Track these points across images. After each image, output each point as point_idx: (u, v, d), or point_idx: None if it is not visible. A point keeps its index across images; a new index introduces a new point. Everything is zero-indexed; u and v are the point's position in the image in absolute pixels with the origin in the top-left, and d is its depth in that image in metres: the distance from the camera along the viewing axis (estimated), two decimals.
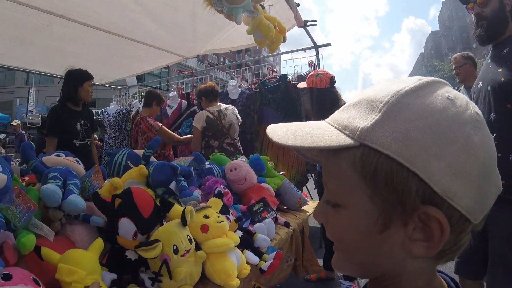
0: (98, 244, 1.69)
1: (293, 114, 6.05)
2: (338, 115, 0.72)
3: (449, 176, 0.59)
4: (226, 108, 5.14)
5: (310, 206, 4.01)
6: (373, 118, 0.63)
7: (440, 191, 0.59)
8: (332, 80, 4.13)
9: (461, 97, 0.66)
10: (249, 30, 3.80)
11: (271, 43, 3.95)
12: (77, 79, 4.62)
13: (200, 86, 5.56)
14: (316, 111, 4.20)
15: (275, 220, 2.98)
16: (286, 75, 6.35)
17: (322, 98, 4.12)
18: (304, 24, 5.31)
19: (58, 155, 2.35)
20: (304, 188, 6.34)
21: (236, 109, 5.34)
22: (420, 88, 0.65)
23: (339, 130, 0.68)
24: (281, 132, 0.75)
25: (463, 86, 5.37)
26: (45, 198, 1.78)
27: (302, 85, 4.47)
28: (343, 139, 0.65)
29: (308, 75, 4.44)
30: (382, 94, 0.66)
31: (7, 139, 20.74)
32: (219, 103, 5.24)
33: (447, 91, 0.66)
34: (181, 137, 5.61)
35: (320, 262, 3.97)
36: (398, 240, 0.64)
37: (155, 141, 2.69)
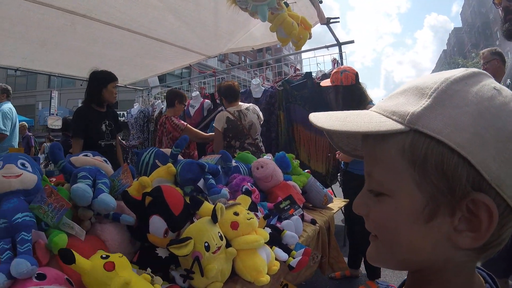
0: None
1: (322, 109, 5.83)
2: (384, 103, 0.71)
3: (498, 164, 0.59)
4: (246, 108, 5.13)
5: (336, 204, 4.00)
6: (424, 104, 0.63)
7: (489, 178, 0.58)
8: (357, 76, 4.11)
9: (505, 88, 0.66)
10: (272, 28, 3.77)
11: (297, 39, 3.92)
12: (101, 80, 4.63)
13: (219, 85, 5.57)
14: (343, 108, 4.17)
15: (302, 217, 2.96)
16: (310, 72, 6.30)
17: (349, 95, 4.11)
18: (327, 22, 5.27)
19: (86, 155, 2.36)
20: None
21: (257, 108, 5.32)
22: (468, 77, 0.65)
23: (387, 117, 0.67)
24: (324, 118, 0.73)
25: None
26: (76, 197, 1.80)
27: (326, 83, 4.45)
28: (392, 124, 0.64)
29: (332, 72, 4.41)
30: (431, 81, 0.65)
31: None
32: (240, 103, 5.23)
33: (492, 82, 0.66)
34: (207, 134, 5.63)
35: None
36: (444, 230, 0.63)
37: (183, 140, 2.70)
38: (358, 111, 0.75)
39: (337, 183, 6.40)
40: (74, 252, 1.42)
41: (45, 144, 17.06)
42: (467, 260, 0.67)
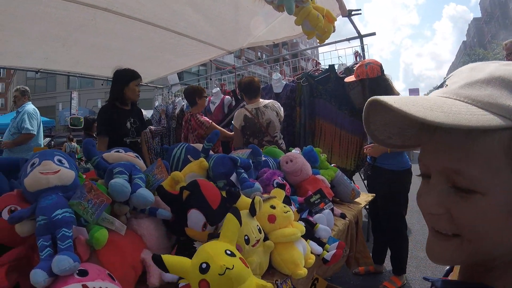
0: (232, 225, 1.65)
1: (347, 104, 5.92)
2: (470, 92, 0.68)
3: None
4: (265, 106, 5.13)
5: (363, 199, 3.99)
6: None
7: None
8: (381, 67, 4.10)
9: None
10: (298, 21, 3.74)
11: (322, 33, 3.89)
12: (124, 79, 4.66)
13: (240, 80, 5.60)
14: None
15: (332, 211, 2.95)
16: (333, 65, 6.22)
17: (376, 87, 4.10)
18: (348, 14, 5.24)
19: (118, 151, 2.37)
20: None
21: (277, 105, 5.31)
22: None
23: (483, 109, 0.64)
24: (415, 106, 0.66)
25: None
26: (115, 192, 1.79)
27: (350, 78, 4.44)
28: (498, 119, 0.62)
29: (356, 66, 4.39)
30: None
31: (52, 142, 21.10)
32: (260, 100, 5.24)
33: None
34: (230, 133, 5.65)
35: None
36: None
37: (214, 135, 2.71)
38: (434, 97, 0.72)
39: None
40: (166, 259, 1.39)
41: (66, 143, 17.24)
42: None
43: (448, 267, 1.02)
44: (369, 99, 0.72)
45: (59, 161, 1.75)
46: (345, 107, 5.89)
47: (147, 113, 8.28)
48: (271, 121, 5.07)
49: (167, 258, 1.39)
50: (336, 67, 6.19)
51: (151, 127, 8.01)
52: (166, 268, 1.37)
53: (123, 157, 2.28)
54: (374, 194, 4.25)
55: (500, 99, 0.63)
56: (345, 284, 4.61)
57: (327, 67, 6.30)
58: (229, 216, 1.62)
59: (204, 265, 1.42)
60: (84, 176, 2.51)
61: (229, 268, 1.43)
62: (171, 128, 8.28)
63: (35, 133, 6.53)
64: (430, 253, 0.77)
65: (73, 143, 17.15)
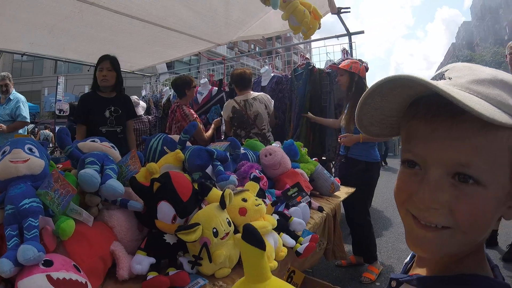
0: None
1: (302, 106, 6.07)
2: (481, 89, 0.70)
3: None
4: (253, 98, 5.20)
5: (343, 192, 4.02)
6: None
7: None
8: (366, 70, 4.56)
9: None
10: (284, 16, 3.78)
11: (307, 29, 3.92)
12: (96, 65, 4.62)
13: (232, 72, 5.59)
14: (354, 96, 4.37)
15: (309, 204, 2.96)
16: (309, 63, 6.25)
17: (360, 86, 4.43)
18: (337, 11, 5.27)
19: (93, 141, 2.36)
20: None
21: (267, 98, 5.37)
22: None
23: (496, 107, 0.67)
24: (479, 105, 0.65)
25: None
26: (83, 183, 1.79)
27: (344, 65, 4.52)
28: (508, 118, 0.65)
29: (353, 60, 4.67)
30: None
31: (36, 129, 20.84)
32: (250, 92, 5.30)
33: None
34: (207, 136, 5.58)
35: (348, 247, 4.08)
36: (503, 210, 0.74)
37: (191, 126, 2.72)
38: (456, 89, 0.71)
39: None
40: None
41: (41, 131, 17.13)
42: None
43: (407, 260, 1.06)
44: (400, 74, 0.70)
45: (30, 149, 1.74)
46: (299, 109, 6.08)
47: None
48: (259, 114, 5.14)
49: None
50: (323, 63, 6.26)
51: (149, 116, 7.98)
52: None
53: (97, 147, 2.28)
54: (355, 188, 4.26)
55: (508, 100, 0.68)
56: (326, 276, 4.63)
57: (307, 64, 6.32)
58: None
59: None
60: (60, 166, 2.50)
61: None
62: (158, 118, 8.26)
63: (29, 121, 6.54)
64: (418, 245, 0.78)
65: (47, 130, 17.09)
